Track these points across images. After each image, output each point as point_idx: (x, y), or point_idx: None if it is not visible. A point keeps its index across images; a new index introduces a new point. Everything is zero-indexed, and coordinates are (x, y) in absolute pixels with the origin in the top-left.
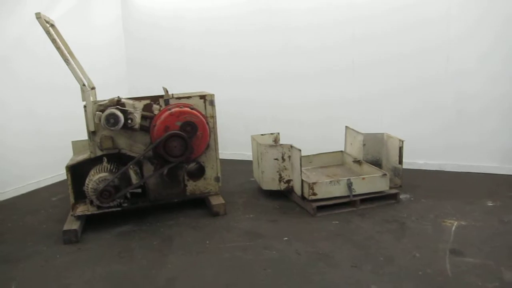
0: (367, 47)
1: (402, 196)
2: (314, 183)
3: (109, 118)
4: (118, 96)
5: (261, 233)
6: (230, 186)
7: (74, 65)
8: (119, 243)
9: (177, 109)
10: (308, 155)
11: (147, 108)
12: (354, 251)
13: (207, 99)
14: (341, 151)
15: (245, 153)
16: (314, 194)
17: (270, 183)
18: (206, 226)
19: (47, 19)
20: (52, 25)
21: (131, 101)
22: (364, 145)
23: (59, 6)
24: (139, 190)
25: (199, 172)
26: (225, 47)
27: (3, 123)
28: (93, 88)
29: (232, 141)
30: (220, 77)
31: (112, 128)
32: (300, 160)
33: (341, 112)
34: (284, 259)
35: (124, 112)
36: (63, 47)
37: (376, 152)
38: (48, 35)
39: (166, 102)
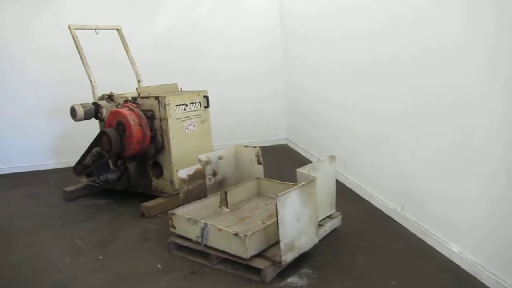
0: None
1: (294, 280)
2: (173, 214)
3: (71, 111)
4: (111, 92)
5: (112, 244)
6: None
7: (89, 67)
8: (73, 209)
9: (116, 109)
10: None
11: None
12: None
13: (160, 101)
14: None
15: None
16: (173, 226)
17: None
18: (120, 219)
19: (109, 27)
20: (118, 30)
21: (120, 96)
22: None
23: None
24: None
25: (158, 171)
26: None
27: None
28: (139, 81)
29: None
30: None
31: (74, 119)
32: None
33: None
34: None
35: (98, 106)
36: (83, 53)
37: None
38: (74, 42)
39: (134, 100)
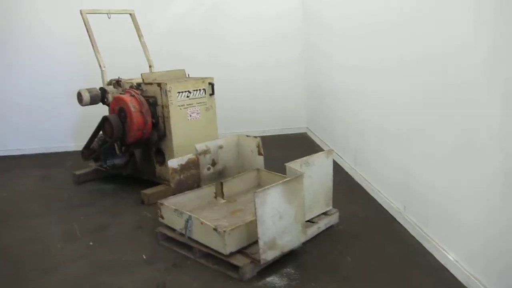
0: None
1: (274, 279)
2: (161, 204)
3: (78, 96)
4: (119, 77)
5: (106, 231)
6: None
7: (99, 53)
8: (79, 193)
9: (118, 95)
10: None
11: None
12: None
13: (162, 88)
14: None
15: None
16: (162, 217)
17: None
18: (121, 205)
19: (122, 11)
20: (131, 14)
21: (127, 82)
22: None
23: None
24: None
25: (161, 158)
26: None
27: None
28: (150, 66)
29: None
30: None
31: (81, 104)
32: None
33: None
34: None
35: (104, 91)
36: (94, 38)
37: None
38: (85, 26)
39: (138, 86)
